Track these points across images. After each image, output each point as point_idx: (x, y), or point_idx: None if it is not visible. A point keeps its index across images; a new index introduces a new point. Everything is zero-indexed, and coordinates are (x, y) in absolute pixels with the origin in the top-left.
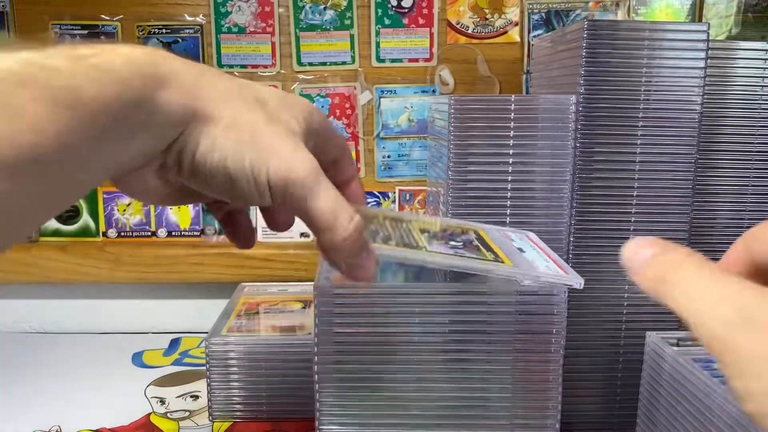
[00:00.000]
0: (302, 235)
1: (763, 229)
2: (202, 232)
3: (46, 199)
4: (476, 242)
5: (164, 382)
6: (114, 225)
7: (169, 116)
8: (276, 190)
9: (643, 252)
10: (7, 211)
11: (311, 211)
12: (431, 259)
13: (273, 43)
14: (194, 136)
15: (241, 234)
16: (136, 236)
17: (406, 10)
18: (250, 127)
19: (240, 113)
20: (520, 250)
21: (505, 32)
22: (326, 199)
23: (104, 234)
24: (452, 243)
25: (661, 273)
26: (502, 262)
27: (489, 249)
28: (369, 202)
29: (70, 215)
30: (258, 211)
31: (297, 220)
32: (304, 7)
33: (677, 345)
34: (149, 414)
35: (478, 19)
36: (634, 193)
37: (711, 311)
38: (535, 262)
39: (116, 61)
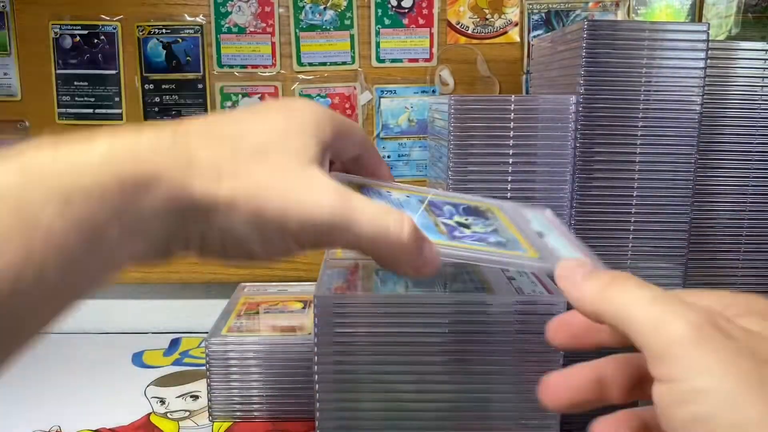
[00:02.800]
0: None
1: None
2: None
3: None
4: (495, 225)
5: (164, 382)
6: None
7: (158, 219)
8: (308, 239)
9: (579, 270)
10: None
11: (358, 239)
12: (466, 254)
13: (273, 44)
14: (196, 228)
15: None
16: None
17: (406, 11)
18: (254, 194)
19: (239, 185)
20: (540, 234)
21: (505, 32)
22: (367, 221)
23: None
24: (474, 229)
25: (603, 286)
26: (527, 251)
27: (508, 234)
28: None
29: None
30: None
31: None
32: (304, 7)
33: None
34: (149, 414)
35: (477, 20)
36: (634, 194)
37: (663, 324)
38: (559, 250)
39: (88, 169)
